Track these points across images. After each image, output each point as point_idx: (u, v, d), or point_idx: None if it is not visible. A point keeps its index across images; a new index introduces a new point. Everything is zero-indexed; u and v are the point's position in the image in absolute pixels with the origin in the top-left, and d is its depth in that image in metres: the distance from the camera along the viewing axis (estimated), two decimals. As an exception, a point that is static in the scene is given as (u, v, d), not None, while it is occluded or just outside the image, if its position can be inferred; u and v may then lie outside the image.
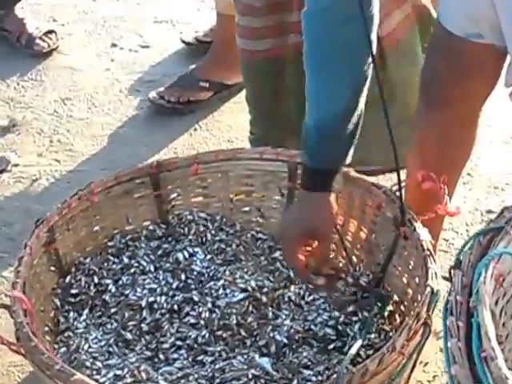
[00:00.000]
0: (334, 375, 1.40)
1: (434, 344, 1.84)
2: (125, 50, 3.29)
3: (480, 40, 1.64)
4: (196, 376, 1.55)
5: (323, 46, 1.66)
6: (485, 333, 1.00)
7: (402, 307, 1.69)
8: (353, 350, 1.51)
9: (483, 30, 1.64)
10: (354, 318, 1.68)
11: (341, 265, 1.86)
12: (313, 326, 1.66)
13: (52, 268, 1.75)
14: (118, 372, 1.51)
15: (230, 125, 2.79)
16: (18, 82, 3.10)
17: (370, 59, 1.65)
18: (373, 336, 1.60)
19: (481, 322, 1.02)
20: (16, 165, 2.64)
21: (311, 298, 1.75)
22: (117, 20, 3.52)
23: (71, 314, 1.71)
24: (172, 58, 3.23)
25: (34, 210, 2.39)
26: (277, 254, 1.87)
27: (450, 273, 1.20)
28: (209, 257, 1.83)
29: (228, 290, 1.71)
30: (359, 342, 1.55)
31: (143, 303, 1.70)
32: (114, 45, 3.32)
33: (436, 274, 1.52)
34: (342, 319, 1.68)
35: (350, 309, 1.70)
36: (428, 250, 1.57)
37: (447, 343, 1.05)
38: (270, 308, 1.70)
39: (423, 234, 1.61)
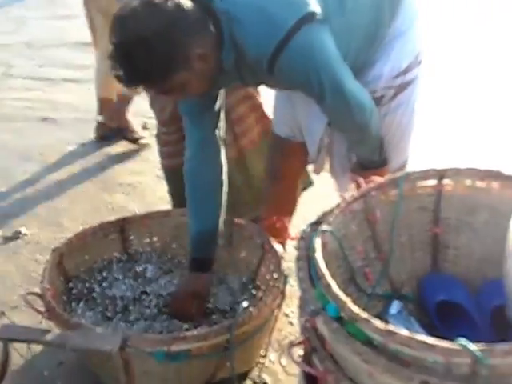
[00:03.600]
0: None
1: (285, 319, 1.94)
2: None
3: (294, 139, 1.81)
4: (153, 329, 1.69)
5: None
6: (317, 266, 1.14)
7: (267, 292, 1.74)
8: (245, 304, 1.73)
9: (295, 132, 1.80)
10: (239, 300, 1.81)
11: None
12: (217, 305, 1.80)
13: (61, 278, 1.81)
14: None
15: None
16: None
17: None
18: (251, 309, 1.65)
19: (315, 261, 1.15)
20: None
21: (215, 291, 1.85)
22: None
23: (73, 304, 1.79)
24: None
25: None
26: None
27: (298, 243, 1.28)
28: (155, 270, 1.94)
29: (168, 285, 1.85)
30: (246, 302, 1.75)
31: (117, 296, 1.83)
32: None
33: (284, 268, 1.67)
34: (232, 301, 1.81)
35: (239, 295, 1.83)
36: (281, 256, 1.73)
37: (299, 274, 1.19)
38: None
39: (278, 248, 1.77)
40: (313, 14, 1.36)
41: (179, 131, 2.16)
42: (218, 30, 1.37)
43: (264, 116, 2.19)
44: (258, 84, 1.62)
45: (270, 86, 1.65)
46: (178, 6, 1.30)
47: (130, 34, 1.28)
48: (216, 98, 1.64)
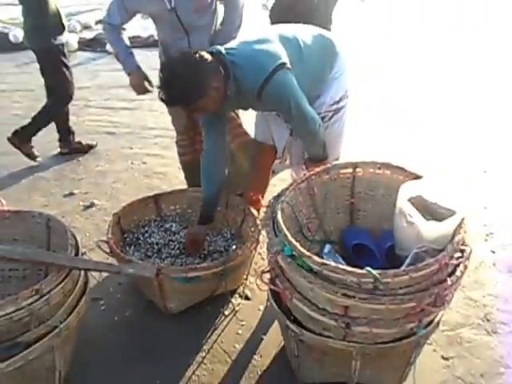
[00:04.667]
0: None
1: (259, 256, 1.85)
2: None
3: (268, 142, 1.72)
4: (176, 263, 1.64)
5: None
6: (278, 223, 1.11)
7: (248, 240, 1.67)
8: (233, 247, 1.66)
9: (268, 139, 1.69)
10: (230, 244, 1.75)
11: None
12: (216, 248, 1.74)
13: (118, 232, 1.74)
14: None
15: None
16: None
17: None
18: (238, 250, 1.59)
19: (277, 220, 1.13)
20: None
21: (215, 239, 1.80)
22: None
23: (126, 247, 1.73)
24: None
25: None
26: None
27: (266, 209, 1.25)
28: (178, 226, 1.87)
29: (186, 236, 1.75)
30: (235, 246, 1.68)
31: (154, 242, 1.76)
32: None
33: (260, 226, 1.58)
34: (225, 245, 1.75)
35: (230, 241, 1.77)
36: (256, 217, 1.67)
37: (267, 228, 1.16)
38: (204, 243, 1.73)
39: (254, 212, 1.71)
40: (284, 63, 1.38)
41: (190, 138, 2.11)
42: (226, 72, 1.38)
43: (244, 133, 2.01)
44: (248, 107, 1.55)
45: (255, 108, 1.60)
46: (202, 57, 1.33)
47: (172, 73, 1.30)
48: (223, 114, 1.57)
